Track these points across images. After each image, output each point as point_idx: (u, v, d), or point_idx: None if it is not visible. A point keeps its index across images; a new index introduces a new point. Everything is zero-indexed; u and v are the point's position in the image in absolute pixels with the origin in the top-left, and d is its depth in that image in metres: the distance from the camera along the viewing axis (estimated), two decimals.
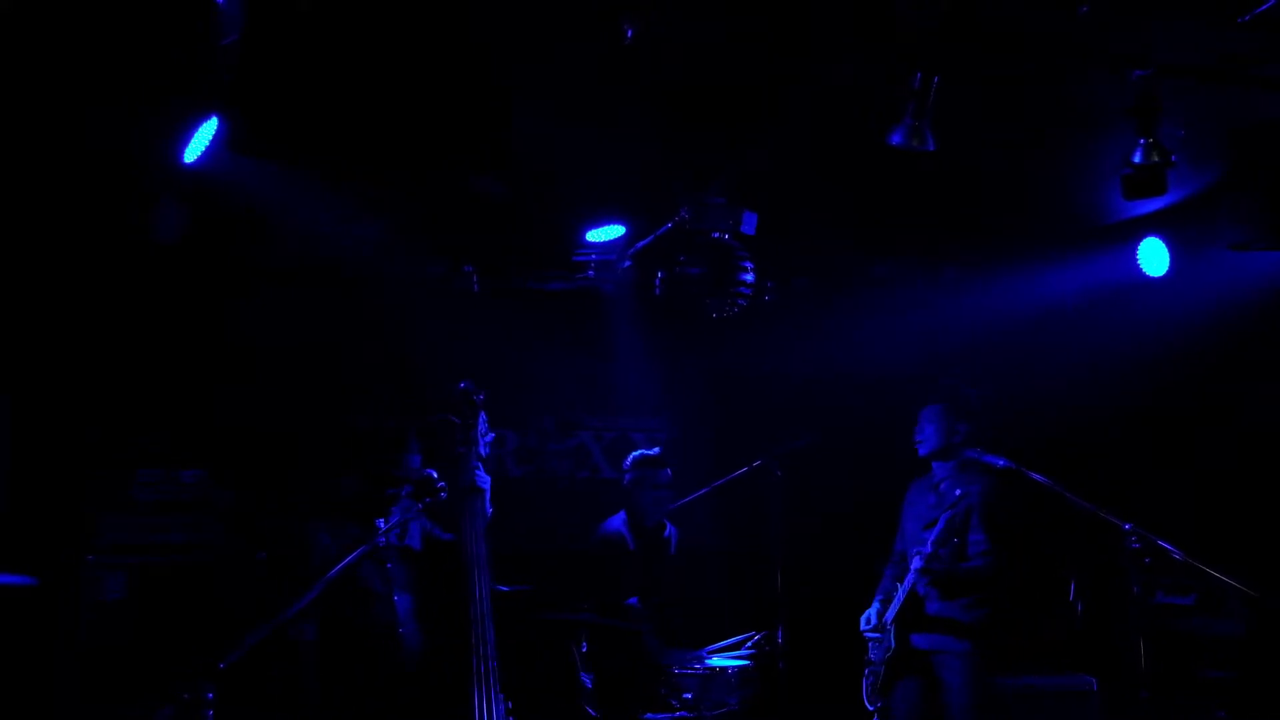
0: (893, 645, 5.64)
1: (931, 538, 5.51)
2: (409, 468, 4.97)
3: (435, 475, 4.74)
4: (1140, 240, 6.65)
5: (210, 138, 4.95)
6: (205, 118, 4.90)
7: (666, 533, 6.55)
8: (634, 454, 6.62)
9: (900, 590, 5.64)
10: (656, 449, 6.66)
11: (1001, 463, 5.25)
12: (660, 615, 6.29)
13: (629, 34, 4.37)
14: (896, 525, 6.06)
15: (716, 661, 5.97)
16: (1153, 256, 6.63)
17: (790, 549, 6.16)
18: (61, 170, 5.51)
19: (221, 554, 6.06)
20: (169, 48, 4.53)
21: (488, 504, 4.92)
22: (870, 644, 5.84)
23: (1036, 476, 4.97)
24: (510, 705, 4.63)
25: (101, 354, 6.46)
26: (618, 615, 6.00)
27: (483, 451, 4.98)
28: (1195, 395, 6.97)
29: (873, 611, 5.82)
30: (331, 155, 4.88)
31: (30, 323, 6.22)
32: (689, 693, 5.73)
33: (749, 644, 6.07)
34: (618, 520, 6.45)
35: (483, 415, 5.01)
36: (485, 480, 4.93)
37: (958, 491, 5.54)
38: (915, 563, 5.54)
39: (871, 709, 5.77)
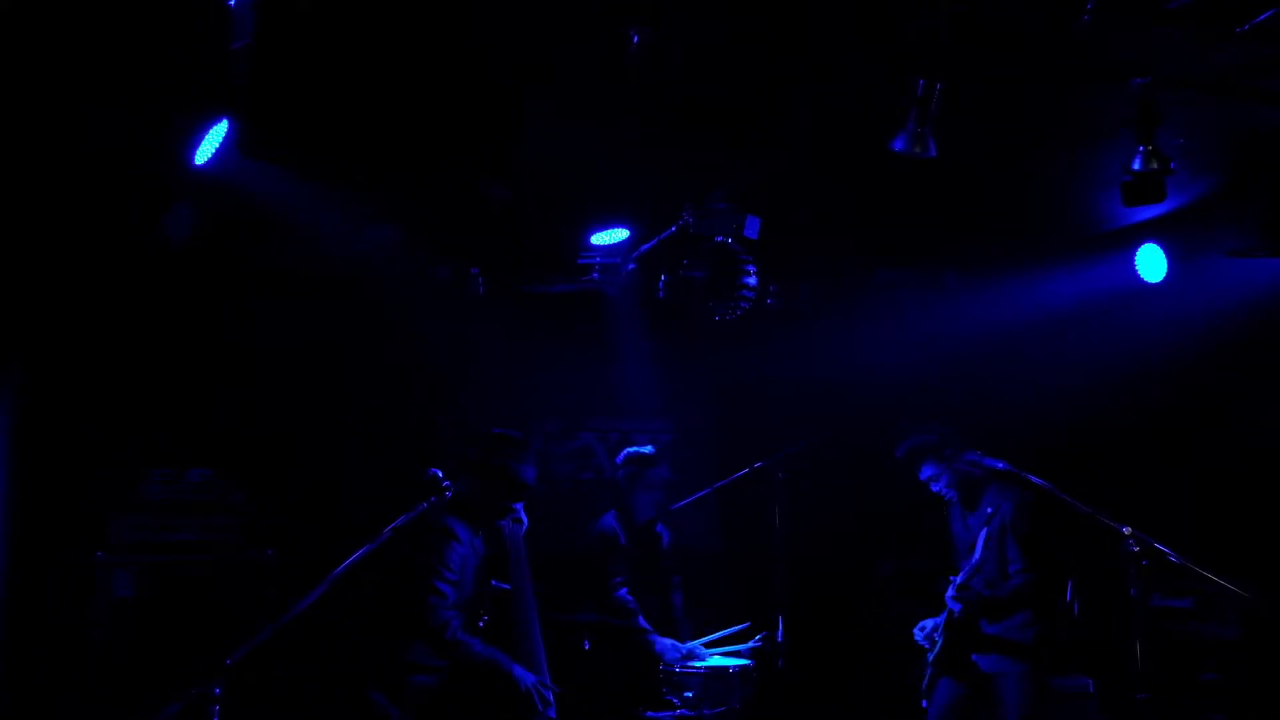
0: (940, 643, 5.67)
1: (967, 565, 5.53)
2: (526, 478, 5.20)
3: (440, 474, 4.79)
4: (1139, 246, 6.70)
5: (220, 141, 4.99)
6: (215, 121, 4.95)
7: (658, 529, 6.56)
8: (627, 450, 6.57)
9: (943, 613, 5.67)
10: (650, 448, 6.57)
11: (1000, 465, 5.28)
12: (651, 613, 6.32)
13: (634, 40, 4.40)
14: (947, 539, 5.98)
15: (718, 661, 6.01)
16: (1151, 263, 6.68)
17: (791, 550, 6.20)
18: (66, 171, 5.50)
19: (231, 553, 6.10)
20: (173, 49, 4.56)
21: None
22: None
23: (1034, 479, 5.00)
24: (554, 696, 4.92)
25: (107, 353, 6.49)
26: (617, 613, 6.04)
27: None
28: (1193, 400, 7.01)
29: (929, 623, 5.81)
30: (340, 159, 4.93)
31: (37, 322, 6.24)
32: (690, 691, 5.78)
33: (751, 641, 6.11)
34: (609, 517, 6.42)
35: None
36: (523, 518, 5.35)
37: (989, 509, 5.55)
38: (949, 591, 5.55)
39: (926, 705, 5.80)
